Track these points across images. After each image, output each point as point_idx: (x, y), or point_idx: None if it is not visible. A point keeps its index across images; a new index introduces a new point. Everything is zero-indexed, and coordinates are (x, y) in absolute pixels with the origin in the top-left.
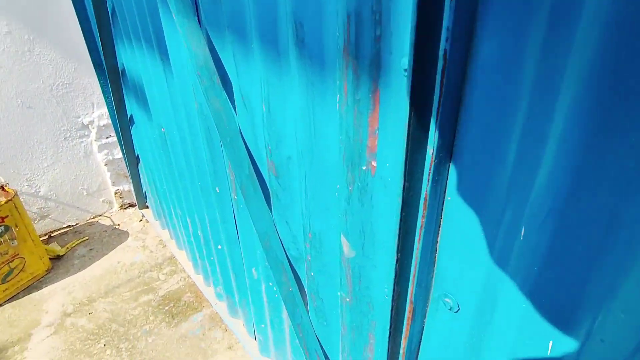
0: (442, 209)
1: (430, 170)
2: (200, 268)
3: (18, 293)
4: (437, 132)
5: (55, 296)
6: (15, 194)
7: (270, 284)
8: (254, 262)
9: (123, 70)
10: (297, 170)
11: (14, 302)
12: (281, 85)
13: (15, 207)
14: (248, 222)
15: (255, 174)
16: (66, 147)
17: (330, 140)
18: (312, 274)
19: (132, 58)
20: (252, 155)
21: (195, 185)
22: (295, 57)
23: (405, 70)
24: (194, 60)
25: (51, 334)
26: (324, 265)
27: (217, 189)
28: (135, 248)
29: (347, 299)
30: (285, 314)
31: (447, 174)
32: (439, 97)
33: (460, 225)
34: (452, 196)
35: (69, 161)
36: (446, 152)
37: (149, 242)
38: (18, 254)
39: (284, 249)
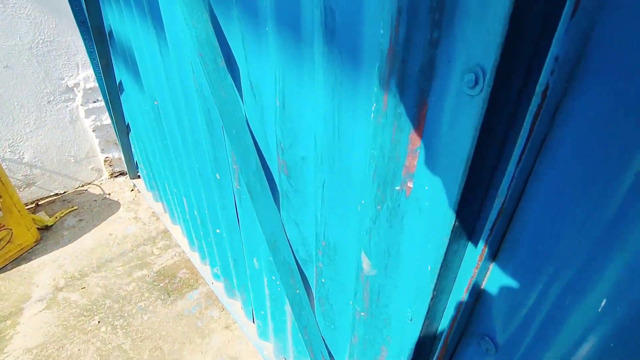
0: (498, 252)
1: (493, 224)
2: (196, 246)
3: (6, 265)
4: (513, 180)
5: (46, 269)
6: None
7: (273, 277)
8: (256, 252)
9: (110, 33)
10: (312, 173)
11: (3, 275)
12: (300, 80)
13: None
14: (251, 213)
15: (262, 170)
16: (50, 111)
17: (356, 150)
18: (323, 280)
19: (120, 21)
20: (259, 149)
21: (192, 167)
22: (321, 50)
23: (472, 87)
24: (195, 39)
25: (43, 309)
26: (337, 274)
27: (217, 175)
28: (128, 220)
29: (362, 314)
30: (288, 307)
31: (508, 227)
32: (525, 142)
33: (515, 277)
34: (512, 248)
35: (54, 126)
36: (515, 200)
37: (142, 214)
38: (4, 225)
39: (292, 251)
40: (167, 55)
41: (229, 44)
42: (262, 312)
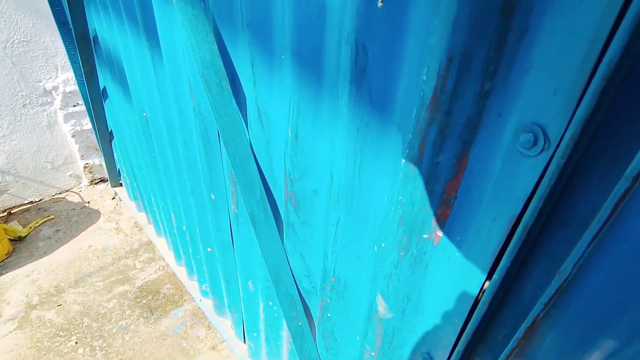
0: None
1: (550, 299)
2: (183, 261)
3: None
4: (581, 259)
5: (18, 284)
6: None
7: (270, 303)
8: (251, 275)
9: (95, 38)
10: (323, 207)
11: None
12: (318, 113)
13: None
14: (248, 237)
15: (267, 200)
16: (26, 115)
17: (378, 192)
18: (329, 315)
19: (108, 29)
20: (264, 177)
21: (184, 184)
22: (347, 87)
23: (528, 148)
24: (200, 61)
25: (14, 329)
26: (345, 310)
27: (212, 195)
28: (108, 230)
29: (372, 353)
30: (285, 333)
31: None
32: (603, 224)
33: (561, 345)
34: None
35: (30, 131)
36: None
37: (123, 224)
38: None
39: (295, 282)
40: (160, 68)
41: (235, 66)
42: (255, 334)
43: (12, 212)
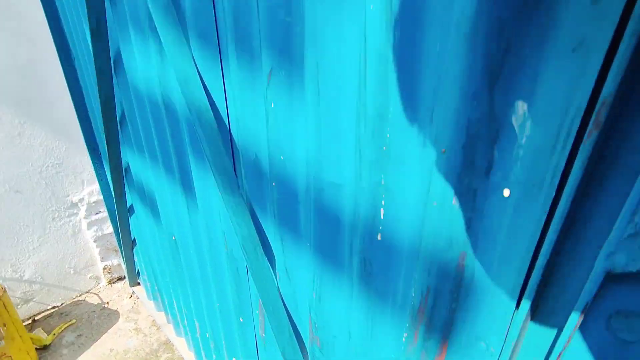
0: None
1: None
2: None
3: None
4: None
5: None
6: (4, 291)
7: None
8: None
9: (127, 169)
10: (344, 353)
11: None
12: (337, 287)
13: (4, 305)
14: (275, 359)
15: (295, 339)
16: (54, 227)
17: (388, 351)
18: None
19: (142, 170)
20: (292, 319)
21: (211, 303)
22: (358, 280)
23: (483, 353)
24: (240, 235)
25: None
26: None
27: (240, 319)
28: (128, 331)
29: None
30: None
31: None
32: None
33: None
34: None
35: (56, 241)
36: None
37: (142, 324)
38: (5, 354)
39: None
40: (194, 213)
41: (266, 234)
42: None
43: (36, 319)
